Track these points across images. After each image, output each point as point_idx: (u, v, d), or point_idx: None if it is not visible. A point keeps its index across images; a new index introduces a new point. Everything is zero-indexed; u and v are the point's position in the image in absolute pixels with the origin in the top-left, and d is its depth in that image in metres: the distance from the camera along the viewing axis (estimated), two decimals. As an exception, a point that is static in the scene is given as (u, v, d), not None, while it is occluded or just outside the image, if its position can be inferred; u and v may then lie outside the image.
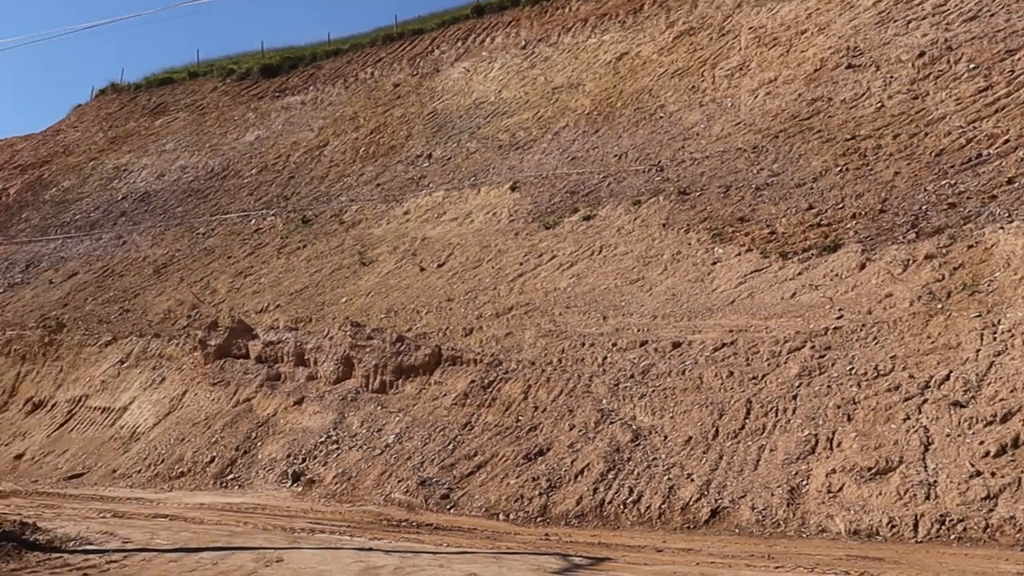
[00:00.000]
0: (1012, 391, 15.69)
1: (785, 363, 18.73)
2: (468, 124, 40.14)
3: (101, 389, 29.96)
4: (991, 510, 13.76)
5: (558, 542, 14.77)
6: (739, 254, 23.86)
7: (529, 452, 18.92)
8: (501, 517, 17.40)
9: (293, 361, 26.15)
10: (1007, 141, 23.41)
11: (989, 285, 18.62)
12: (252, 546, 13.35)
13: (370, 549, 13.20)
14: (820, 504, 15.11)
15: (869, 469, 15.22)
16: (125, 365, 30.46)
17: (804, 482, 15.64)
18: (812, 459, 16.02)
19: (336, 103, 48.45)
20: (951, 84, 26.57)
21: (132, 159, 51.62)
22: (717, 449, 17.11)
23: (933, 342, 17.63)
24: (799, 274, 21.99)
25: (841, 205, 23.95)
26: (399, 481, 19.64)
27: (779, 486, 15.69)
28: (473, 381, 22.05)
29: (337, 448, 21.85)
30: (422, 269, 30.03)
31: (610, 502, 16.82)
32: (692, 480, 16.56)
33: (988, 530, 13.51)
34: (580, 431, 18.96)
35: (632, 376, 20.32)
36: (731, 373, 19.08)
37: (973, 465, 14.51)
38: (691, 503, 16.09)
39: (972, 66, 26.62)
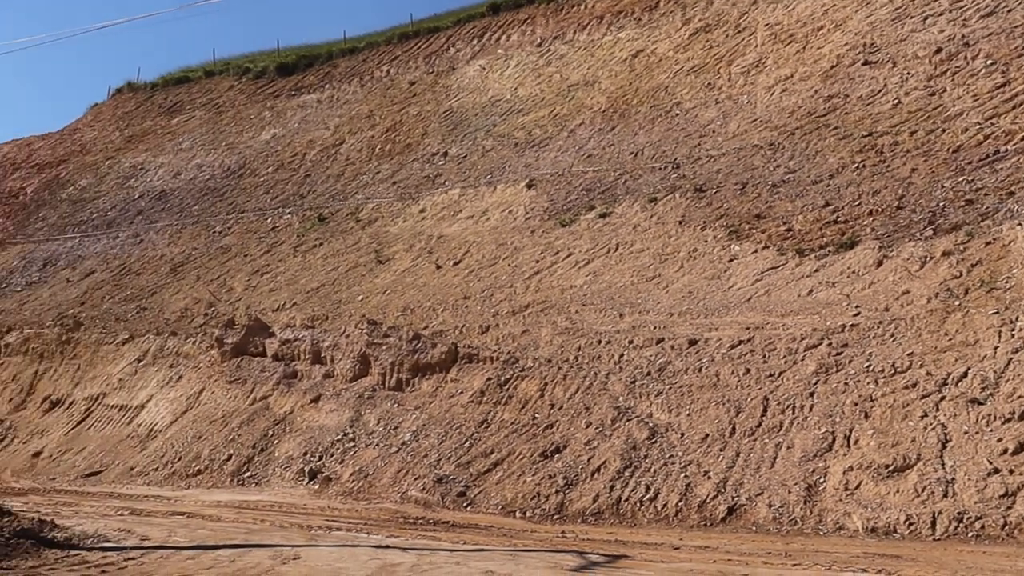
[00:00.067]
0: (1030, 388, 15.65)
1: (802, 360, 18.68)
2: (484, 122, 40.15)
3: (118, 387, 30.05)
4: (1009, 508, 13.71)
5: (575, 540, 14.76)
6: (756, 251, 23.81)
7: (546, 450, 18.91)
8: (518, 515, 17.40)
9: (310, 359, 26.18)
10: (1025, 137, 23.34)
11: (1007, 282, 18.54)
12: (269, 544, 13.38)
13: (387, 547, 13.22)
14: (837, 501, 15.07)
15: (886, 467, 15.18)
16: (142, 363, 30.55)
17: (821, 480, 15.60)
18: (829, 456, 15.98)
19: (352, 101, 48.49)
20: (968, 80, 26.47)
21: (149, 158, 51.77)
22: (734, 446, 17.08)
23: (951, 339, 17.56)
24: (816, 271, 21.94)
25: (858, 202, 23.88)
26: (416, 479, 19.65)
27: (796, 484, 15.66)
28: (489, 379, 22.05)
29: (354, 446, 21.88)
30: (438, 267, 30.04)
31: (627, 500, 16.80)
32: (709, 478, 16.53)
33: (1006, 528, 13.46)
34: (597, 429, 18.94)
35: (649, 373, 20.29)
36: (748, 370, 19.03)
37: (991, 463, 14.45)
38: (708, 501, 16.06)
39: (989, 62, 26.50)
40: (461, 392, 22.24)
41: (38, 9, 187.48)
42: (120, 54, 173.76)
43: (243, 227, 40.01)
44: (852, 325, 19.07)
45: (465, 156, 38.05)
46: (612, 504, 16.83)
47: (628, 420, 18.85)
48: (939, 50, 28.08)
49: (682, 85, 35.25)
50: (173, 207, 45.28)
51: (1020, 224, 19.95)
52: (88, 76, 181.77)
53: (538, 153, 35.46)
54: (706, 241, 25.22)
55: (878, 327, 18.69)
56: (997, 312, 17.66)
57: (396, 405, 22.89)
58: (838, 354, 18.41)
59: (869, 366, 17.66)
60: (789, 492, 15.55)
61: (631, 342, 21.69)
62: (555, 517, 17.01)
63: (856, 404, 16.82)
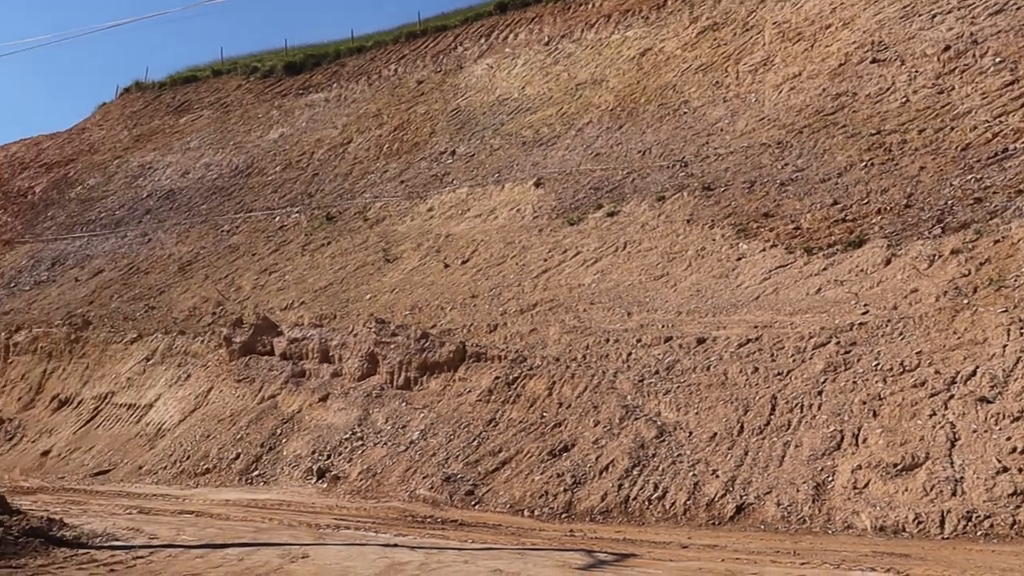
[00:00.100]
0: (1039, 387, 15.63)
1: (810, 359, 18.66)
2: (492, 121, 40.17)
3: (127, 386, 30.09)
4: (1018, 507, 13.69)
5: (583, 538, 14.76)
6: (764, 250, 23.81)
7: (554, 448, 18.91)
8: (526, 513, 17.40)
9: (318, 358, 26.20)
10: (1034, 135, 23.31)
11: (1016, 280, 18.51)
12: (277, 542, 13.39)
13: (395, 545, 13.22)
14: (846, 500, 15.06)
15: (895, 465, 15.16)
16: (151, 362, 30.58)
17: (830, 478, 15.59)
18: (838, 455, 15.96)
19: (360, 100, 48.54)
20: (977, 78, 26.43)
21: (157, 157, 51.86)
22: (742, 445, 17.07)
23: (959, 338, 17.54)
24: (824, 270, 21.93)
25: (866, 200, 23.86)
26: (424, 477, 19.66)
27: (804, 482, 15.65)
28: (498, 377, 22.05)
29: (362, 444, 21.89)
30: (446, 266, 30.06)
31: (635, 498, 16.80)
32: (717, 476, 16.52)
33: (1015, 527, 13.44)
34: (605, 427, 18.94)
35: (657, 372, 20.29)
36: (756, 369, 19.02)
37: (1000, 461, 14.43)
38: (716, 499, 16.05)
39: (998, 60, 26.46)
40: (469, 391, 22.24)
41: (46, 9, 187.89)
42: (128, 53, 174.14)
43: (251, 226, 40.06)
44: (860, 323, 19.05)
45: (473, 155, 38.08)
46: (620, 503, 16.83)
47: (636, 419, 18.85)
48: (947, 48, 28.05)
49: (690, 83, 35.25)
50: (181, 206, 45.35)
51: (1029, 222, 19.93)
52: (96, 75, 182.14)
53: (546, 152, 35.48)
54: (714, 239, 25.22)
55: (886, 325, 18.68)
56: (1006, 310, 17.63)
57: (404, 404, 22.91)
58: (846, 352, 18.39)
59: (877, 364, 17.64)
60: (797, 491, 15.54)
61: (639, 341, 21.69)
62: (563, 516, 17.01)
63: (864, 403, 16.81)
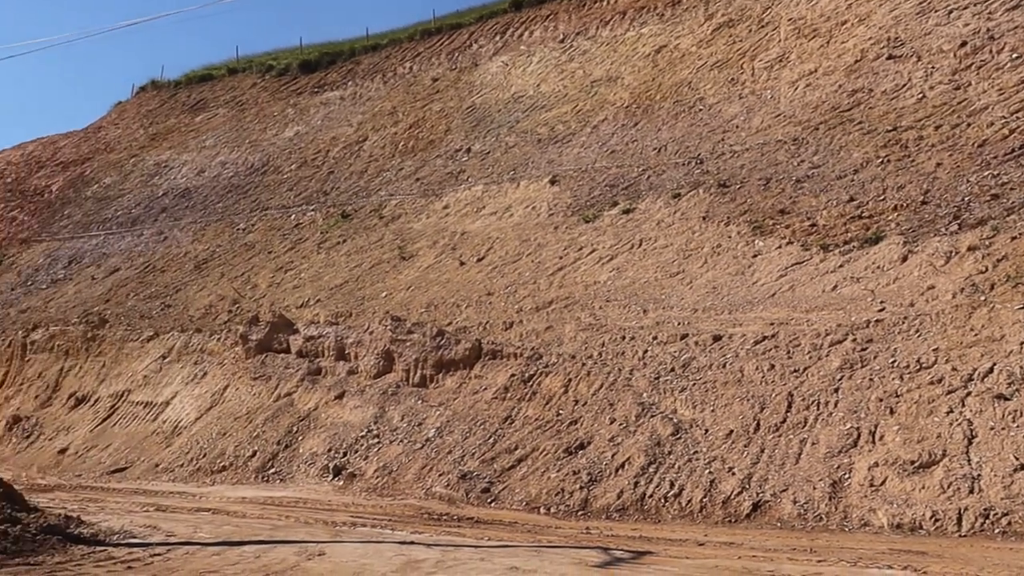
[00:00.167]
0: (1057, 384, 15.58)
1: (827, 356, 18.63)
2: (507, 118, 40.14)
3: (143, 384, 30.16)
4: (1036, 504, 13.66)
5: (599, 536, 14.77)
6: (780, 247, 23.76)
7: (570, 446, 18.92)
8: (542, 511, 17.42)
9: (334, 355, 26.24)
10: (1051, 131, 23.22)
11: (1033, 277, 18.47)
12: (294, 540, 13.43)
13: (411, 543, 13.24)
14: (862, 498, 15.03)
15: (912, 463, 15.13)
16: (167, 360, 30.64)
17: (846, 476, 15.56)
18: (854, 452, 15.93)
19: (375, 98, 48.55)
20: (993, 74, 26.34)
21: (172, 155, 51.94)
22: (758, 442, 17.05)
23: (976, 334, 17.49)
24: (840, 267, 21.88)
25: (882, 197, 23.79)
26: (440, 475, 19.69)
27: (821, 480, 15.62)
28: (513, 375, 22.06)
29: (378, 442, 21.93)
30: (462, 263, 30.07)
31: (651, 496, 16.80)
32: (733, 474, 16.51)
33: (1033, 524, 13.41)
34: (621, 425, 18.94)
35: (673, 369, 20.27)
36: (772, 366, 18.99)
37: (1018, 459, 14.38)
38: (732, 497, 16.04)
39: (1015, 55, 26.36)
40: (485, 388, 22.26)
41: (61, 9, 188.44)
42: (144, 52, 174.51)
43: (267, 224, 40.11)
44: (877, 320, 19.01)
45: (488, 152, 38.06)
46: (636, 500, 16.83)
47: (652, 416, 18.84)
48: (964, 44, 27.94)
49: (705, 80, 35.18)
50: (197, 204, 45.42)
51: (1046, 219, 19.86)
52: (112, 74, 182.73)
53: (561, 149, 35.45)
54: (730, 237, 25.18)
55: (903, 322, 18.63)
56: (1023, 307, 17.57)
57: (420, 401, 22.94)
58: (863, 350, 18.35)
59: (894, 362, 17.60)
60: (814, 488, 15.51)
61: (655, 338, 21.67)
62: (579, 513, 17.02)
63: (881, 400, 16.77)
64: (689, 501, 16.36)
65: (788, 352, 19.25)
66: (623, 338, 22.14)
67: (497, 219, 32.37)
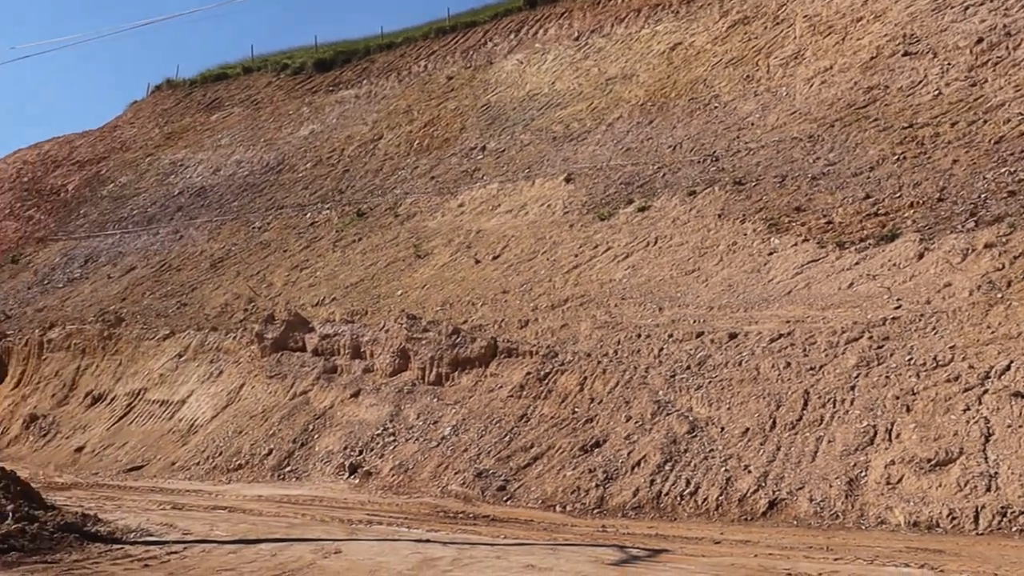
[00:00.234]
0: (1075, 381, 15.52)
1: (843, 354, 18.58)
2: (522, 116, 40.15)
3: (159, 382, 30.25)
4: (1054, 502, 13.61)
5: (615, 534, 14.77)
6: (795, 244, 23.71)
7: (585, 444, 18.91)
8: (558, 509, 17.42)
9: (349, 354, 26.28)
10: (1068, 128, 23.14)
11: (1050, 274, 18.40)
12: (310, 538, 13.46)
13: (427, 541, 13.26)
14: (879, 496, 14.99)
15: (929, 460, 15.08)
16: (183, 358, 30.72)
17: (863, 474, 15.52)
18: (871, 450, 15.89)
19: (390, 96, 48.60)
20: (1010, 70, 26.24)
21: (188, 154, 52.06)
22: (775, 440, 17.02)
23: (993, 332, 17.43)
24: (856, 264, 21.82)
25: (899, 194, 23.73)
26: (456, 473, 19.70)
27: (837, 478, 15.59)
28: (529, 373, 22.06)
29: (394, 440, 21.95)
30: (477, 261, 30.08)
31: (667, 494, 16.78)
32: (749, 472, 16.48)
33: (1051, 522, 13.37)
34: (636, 423, 18.93)
35: (688, 367, 20.25)
36: (788, 364, 18.95)
37: (1035, 456, 14.34)
38: (749, 495, 16.01)
39: (1032, 52, 26.28)
40: (501, 386, 22.26)
41: (77, 8, 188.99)
42: (159, 52, 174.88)
43: (282, 223, 40.19)
44: (893, 318, 18.96)
45: (503, 150, 38.06)
46: (652, 498, 16.82)
47: (668, 414, 18.83)
48: (980, 40, 27.85)
49: (720, 78, 35.13)
50: (212, 203, 45.52)
51: (1064, 215, 19.78)
52: (127, 74, 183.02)
53: (576, 147, 35.44)
54: (745, 234, 25.14)
55: (919, 320, 18.57)
56: (1040, 304, 17.52)
57: (436, 399, 22.96)
58: (879, 347, 18.30)
59: (911, 359, 17.55)
60: (830, 486, 15.48)
61: (671, 336, 21.65)
62: (595, 511, 17.01)
63: (898, 398, 16.72)
64: (705, 499, 16.34)
65: (804, 350, 19.21)
66: (639, 336, 22.12)
67: (512, 217, 32.38)
